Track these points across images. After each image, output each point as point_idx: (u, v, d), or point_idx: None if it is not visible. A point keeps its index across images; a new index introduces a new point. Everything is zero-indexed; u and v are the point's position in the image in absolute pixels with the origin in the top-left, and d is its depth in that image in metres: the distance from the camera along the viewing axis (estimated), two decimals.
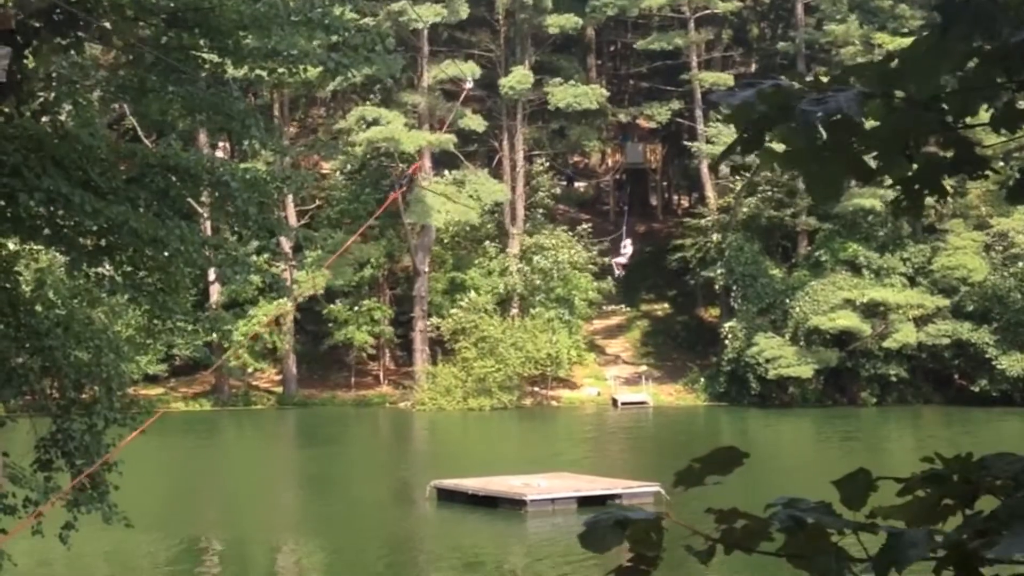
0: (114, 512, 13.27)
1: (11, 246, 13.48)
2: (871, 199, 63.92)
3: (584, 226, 75.28)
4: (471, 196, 70.19)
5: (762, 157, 2.57)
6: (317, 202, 74.69)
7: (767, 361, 64.49)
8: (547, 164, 77.47)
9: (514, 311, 71.17)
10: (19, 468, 12.29)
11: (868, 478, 2.25)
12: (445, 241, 74.28)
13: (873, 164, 2.50)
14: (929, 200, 2.67)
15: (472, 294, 71.83)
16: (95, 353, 13.19)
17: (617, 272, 71.92)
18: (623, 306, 75.83)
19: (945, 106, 2.49)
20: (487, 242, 74.93)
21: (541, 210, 76.81)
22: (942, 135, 2.53)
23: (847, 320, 63.10)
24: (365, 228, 72.17)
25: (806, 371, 63.94)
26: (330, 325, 70.79)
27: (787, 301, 66.42)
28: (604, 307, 74.57)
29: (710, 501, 2.31)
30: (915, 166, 2.53)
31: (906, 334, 63.19)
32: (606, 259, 68.38)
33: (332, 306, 70.53)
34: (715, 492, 2.31)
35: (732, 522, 2.21)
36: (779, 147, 2.45)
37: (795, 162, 2.29)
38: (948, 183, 2.59)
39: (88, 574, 25.46)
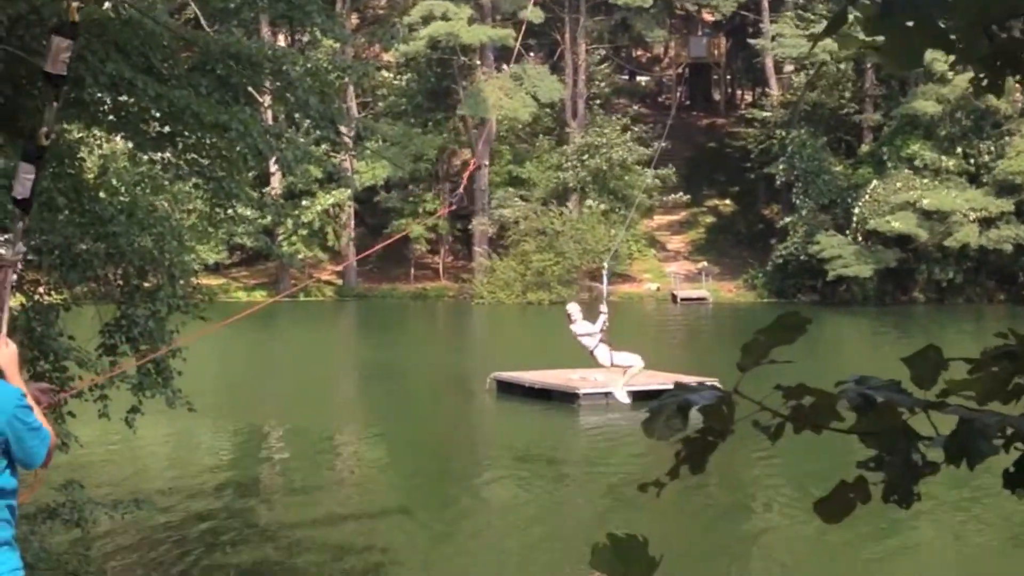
0: (177, 397, 13.42)
1: (75, 132, 13.55)
2: (933, 103, 63.07)
3: (640, 126, 74.83)
4: (528, 93, 69.89)
5: (841, 40, 2.51)
6: (377, 94, 74.64)
7: (827, 260, 64.13)
8: (606, 55, 76.90)
9: (571, 205, 71.04)
10: (85, 352, 12.44)
11: (939, 356, 2.22)
12: (503, 135, 74.08)
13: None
14: (1010, 83, 2.60)
15: (530, 187, 71.76)
16: (158, 240, 13.27)
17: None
18: (682, 194, 75.38)
19: None
20: (544, 137, 74.69)
21: (599, 101, 76.37)
22: None
23: (906, 223, 62.45)
24: (424, 124, 72.25)
25: (865, 271, 63.52)
26: (390, 217, 71.03)
27: (849, 199, 65.83)
28: (664, 198, 74.14)
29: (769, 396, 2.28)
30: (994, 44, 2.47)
31: (967, 235, 62.46)
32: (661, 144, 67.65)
33: (386, 194, 70.73)
34: (772, 389, 2.29)
35: (800, 398, 2.19)
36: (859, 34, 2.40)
37: (877, 30, 2.23)
38: None
39: (152, 457, 25.89)
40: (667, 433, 2.19)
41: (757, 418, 2.22)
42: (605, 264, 26.12)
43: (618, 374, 30.67)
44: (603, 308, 23.29)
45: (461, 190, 16.23)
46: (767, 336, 2.17)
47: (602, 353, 22.92)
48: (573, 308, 23.41)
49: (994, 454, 2.13)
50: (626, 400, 23.22)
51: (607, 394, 32.12)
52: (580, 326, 22.88)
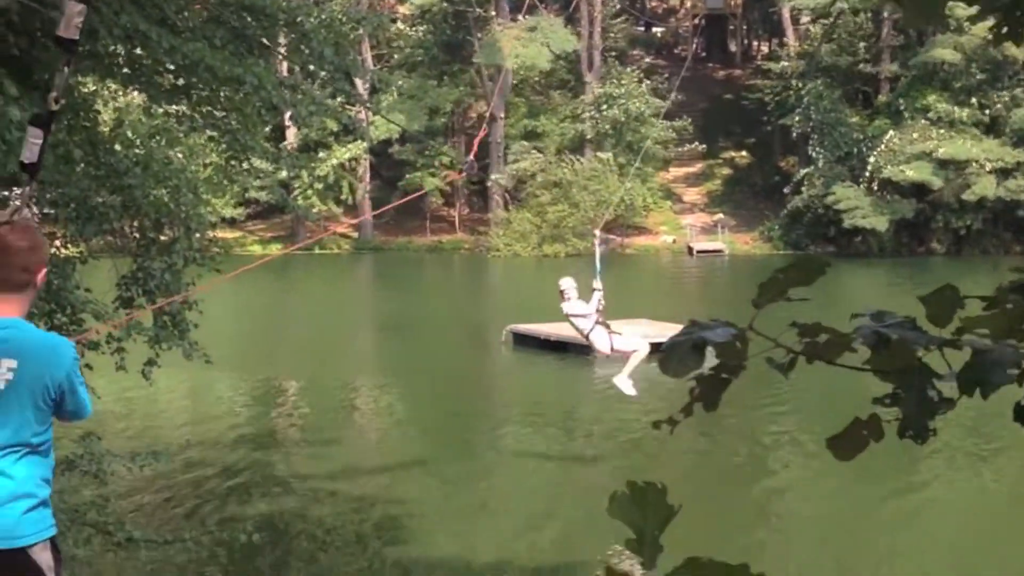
0: (194, 349, 13.45)
1: (90, 84, 13.53)
2: (951, 51, 62.71)
3: (656, 77, 74.53)
4: (542, 44, 69.70)
5: None
6: (392, 46, 74.44)
7: (844, 211, 63.98)
8: (622, 7, 76.53)
9: (586, 157, 70.92)
10: (102, 304, 12.47)
11: (955, 294, 2.21)
12: (518, 87, 73.92)
13: None
14: None
15: (545, 140, 71.64)
16: (173, 193, 13.27)
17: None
18: (697, 145, 75.15)
19: None
20: (557, 91, 74.56)
21: (614, 53, 76.13)
22: None
23: (921, 173, 62.23)
24: (439, 76, 72.06)
25: (881, 222, 63.36)
26: (405, 170, 70.98)
27: (865, 150, 65.60)
28: (680, 149, 73.99)
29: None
30: None
31: (984, 187, 62.23)
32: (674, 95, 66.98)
33: (401, 147, 70.67)
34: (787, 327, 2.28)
35: (815, 336, 2.19)
36: None
37: None
38: None
39: (169, 409, 26.02)
40: (682, 370, 2.19)
41: (771, 354, 2.21)
42: (597, 233, 22.10)
43: (640, 324, 30.68)
44: (597, 284, 19.14)
45: (472, 156, 15.05)
46: (786, 275, 2.16)
47: (599, 337, 18.98)
48: (567, 283, 19.52)
49: (1008, 383, 2.13)
50: (632, 392, 18.96)
51: None
52: (573, 305, 19.21)
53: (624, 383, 18.94)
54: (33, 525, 4.98)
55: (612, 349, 19.01)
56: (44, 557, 5.03)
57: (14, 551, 4.92)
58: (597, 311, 19.05)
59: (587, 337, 19.21)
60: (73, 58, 5.22)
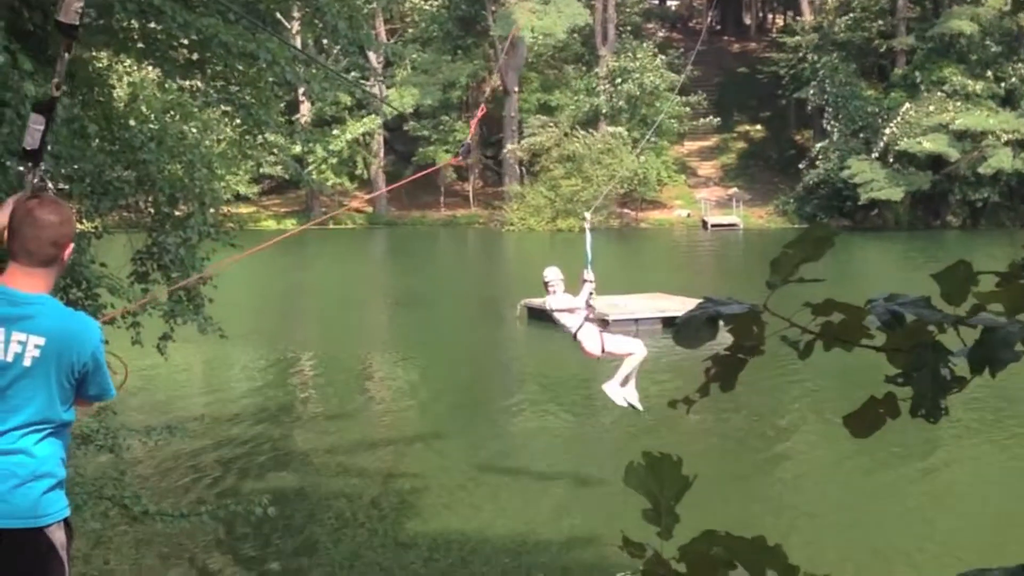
0: (209, 324, 13.50)
1: (104, 59, 13.55)
2: (968, 23, 62.44)
3: (671, 51, 74.31)
4: (558, 14, 69.57)
5: None
6: (406, 20, 74.33)
7: (859, 184, 63.85)
8: None
9: (599, 131, 70.85)
10: (116, 279, 12.50)
11: (968, 271, 2.21)
12: (532, 61, 73.82)
13: None
14: None
15: (559, 114, 71.55)
16: (188, 167, 13.30)
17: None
18: (711, 118, 75.00)
19: None
20: (571, 66, 74.44)
21: (629, 27, 75.95)
22: None
23: (938, 144, 62.07)
24: (453, 51, 71.95)
25: (896, 194, 63.23)
26: (418, 145, 70.95)
27: (880, 123, 65.42)
28: (695, 123, 73.89)
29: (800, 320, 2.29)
30: None
31: (1001, 159, 62.05)
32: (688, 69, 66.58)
33: (416, 124, 70.64)
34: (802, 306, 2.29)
35: (829, 314, 2.19)
36: None
37: None
38: None
39: (184, 384, 26.11)
40: (697, 342, 2.20)
41: (786, 334, 2.22)
42: (587, 215, 18.54)
43: (655, 298, 30.55)
44: (588, 275, 16.36)
45: (469, 139, 13.98)
46: (795, 249, 2.17)
47: (588, 337, 16.09)
48: (552, 274, 16.64)
49: (1015, 360, 2.13)
50: (625, 403, 16.16)
51: (636, 320, 32.18)
52: (559, 299, 16.30)
53: (615, 392, 16.22)
54: (52, 505, 5.00)
55: (603, 351, 16.18)
56: (59, 536, 5.05)
57: (33, 531, 4.94)
58: (588, 306, 16.31)
59: (574, 336, 16.27)
60: (73, 43, 5.21)
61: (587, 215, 18.48)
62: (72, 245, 5.15)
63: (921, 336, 2.17)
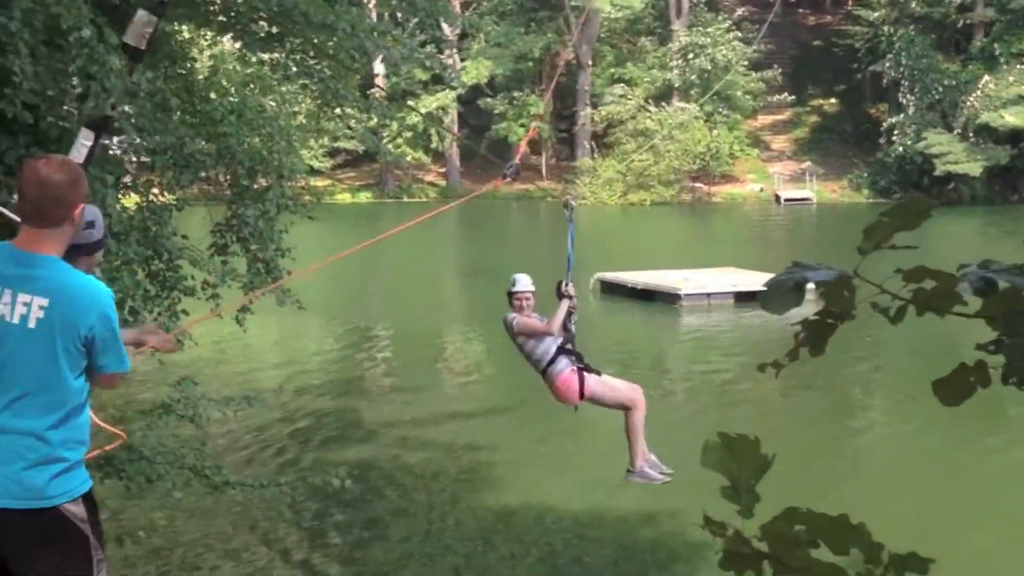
0: (287, 296, 13.61)
1: (185, 32, 13.69)
2: None
3: (745, 24, 73.73)
4: None
5: None
6: None
7: (935, 157, 63.10)
8: None
9: (672, 106, 70.53)
10: (197, 251, 12.64)
11: None
12: (604, 36, 73.56)
13: None
14: None
15: (633, 88, 71.26)
16: (266, 140, 13.40)
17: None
18: (786, 95, 74.40)
19: None
20: (645, 38, 74.09)
21: (704, 1, 75.47)
22: None
23: (1021, 118, 61.20)
24: (527, 24, 71.84)
25: (974, 168, 62.42)
26: (493, 119, 70.92)
27: (958, 96, 64.57)
28: (769, 98, 73.36)
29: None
30: None
31: None
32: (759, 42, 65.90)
33: (490, 100, 70.63)
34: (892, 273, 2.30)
35: (920, 281, 2.21)
36: None
37: None
38: None
39: (262, 355, 26.36)
40: (783, 307, 2.22)
41: (877, 299, 2.24)
42: (572, 202, 12.31)
43: (727, 273, 30.31)
44: (568, 289, 11.59)
45: (517, 159, 12.00)
46: (891, 218, 2.19)
47: (562, 375, 11.27)
48: (522, 283, 12.10)
49: None
50: (668, 470, 11.61)
51: (709, 295, 32.10)
52: (522, 318, 11.71)
53: (647, 475, 11.61)
54: (62, 486, 4.92)
55: (582, 396, 11.20)
56: (76, 511, 4.99)
57: (43, 509, 4.89)
58: (565, 329, 11.47)
59: (543, 373, 11.46)
60: (136, 65, 5.20)
61: (572, 201, 12.62)
62: (83, 206, 4.96)
63: (1015, 303, 2.17)
